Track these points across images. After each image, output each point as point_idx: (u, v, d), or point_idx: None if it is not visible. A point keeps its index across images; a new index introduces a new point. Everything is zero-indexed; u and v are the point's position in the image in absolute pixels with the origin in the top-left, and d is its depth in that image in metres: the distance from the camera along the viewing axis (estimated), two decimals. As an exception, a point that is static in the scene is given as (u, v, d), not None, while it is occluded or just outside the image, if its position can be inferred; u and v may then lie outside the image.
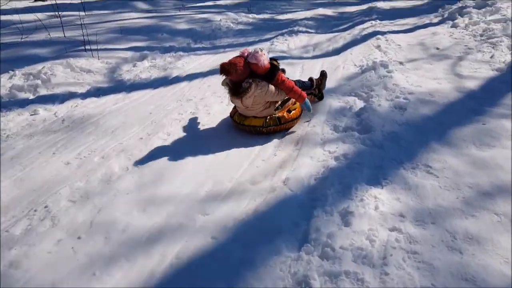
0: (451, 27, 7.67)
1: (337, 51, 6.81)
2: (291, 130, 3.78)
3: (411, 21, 8.87)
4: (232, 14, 10.54)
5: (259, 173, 3.06)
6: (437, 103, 4.07)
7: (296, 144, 3.50)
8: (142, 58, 6.38)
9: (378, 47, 6.44)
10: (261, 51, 3.39)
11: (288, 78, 3.64)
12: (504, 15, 7.40)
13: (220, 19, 9.68)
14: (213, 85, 5.14)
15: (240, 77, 3.32)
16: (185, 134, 3.81)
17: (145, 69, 6.01)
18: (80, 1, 11.66)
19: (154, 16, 9.94)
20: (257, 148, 3.48)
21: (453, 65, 5.32)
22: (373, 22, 8.82)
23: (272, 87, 3.45)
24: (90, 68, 5.73)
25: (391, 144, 3.24)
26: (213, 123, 4.00)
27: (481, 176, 2.73)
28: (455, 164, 2.90)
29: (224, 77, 3.45)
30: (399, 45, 6.60)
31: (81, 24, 6.90)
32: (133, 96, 4.96)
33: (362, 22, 9.01)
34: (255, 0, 14.21)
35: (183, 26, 8.80)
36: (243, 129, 3.71)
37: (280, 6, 13.48)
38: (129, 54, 6.48)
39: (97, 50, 6.22)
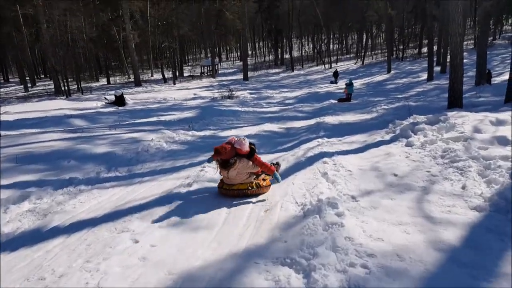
0: (406, 145, 6.73)
1: (277, 179, 5.56)
2: None
3: (361, 138, 7.96)
4: (169, 132, 9.40)
5: None
6: (410, 275, 2.67)
7: None
8: (23, 198, 4.79)
9: (325, 174, 5.22)
10: (244, 139, 4.73)
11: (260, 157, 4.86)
12: (462, 132, 6.57)
13: (152, 139, 8.45)
14: (95, 243, 3.57)
15: (228, 156, 4.53)
16: None
17: (17, 216, 4.38)
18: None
19: (75, 137, 8.59)
20: None
21: (419, 201, 4.08)
22: (320, 140, 7.84)
23: (250, 162, 4.67)
24: None
25: None
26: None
27: None
28: None
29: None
30: (349, 170, 5.43)
31: None
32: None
33: (309, 140, 8.02)
34: (203, 115, 13.40)
35: (102, 149, 7.43)
36: (231, 194, 4.64)
37: (226, 121, 12.64)
38: (6, 193, 4.89)
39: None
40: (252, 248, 3.29)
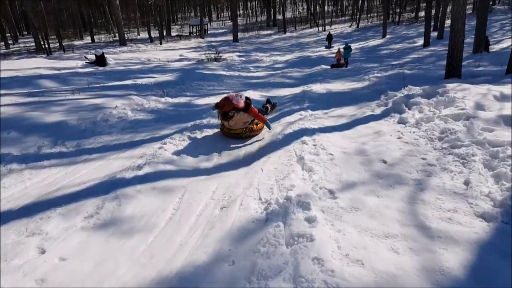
0: (399, 122, 5.86)
1: (246, 161, 4.70)
2: None
3: (348, 112, 7.06)
4: (139, 98, 8.39)
5: None
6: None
7: None
8: None
9: (301, 159, 4.34)
10: (240, 97, 5.61)
11: (255, 108, 5.74)
12: (462, 109, 5.69)
13: (116, 106, 7.46)
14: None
15: (226, 109, 5.43)
16: None
17: None
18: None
19: (31, 102, 7.57)
20: None
21: (412, 201, 3.24)
22: (303, 112, 6.92)
23: (246, 114, 5.55)
24: None
25: None
26: None
27: None
28: None
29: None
30: (331, 154, 4.56)
31: None
32: None
33: (291, 112, 7.09)
34: (183, 79, 12.31)
35: (54, 117, 6.45)
36: (230, 136, 5.60)
37: (207, 86, 11.60)
38: None
39: None
40: (188, 270, 2.45)
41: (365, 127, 5.80)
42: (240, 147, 5.27)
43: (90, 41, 33.29)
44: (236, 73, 15.34)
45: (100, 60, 19.53)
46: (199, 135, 5.73)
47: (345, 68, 16.06)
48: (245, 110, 5.54)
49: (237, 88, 11.39)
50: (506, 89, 6.76)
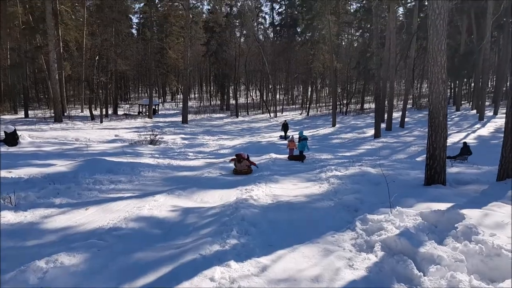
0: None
1: None
2: None
3: (308, 265, 3.52)
4: None
5: None
6: None
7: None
8: None
9: None
10: (244, 154, 10.50)
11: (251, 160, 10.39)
12: None
13: None
14: None
15: (241, 158, 9.82)
16: None
17: None
18: None
19: None
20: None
21: None
22: (220, 271, 3.28)
23: (247, 161, 9.93)
24: None
25: None
26: None
27: None
28: None
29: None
30: None
31: None
32: None
33: (196, 270, 3.41)
34: (77, 172, 8.41)
35: None
36: (240, 173, 9.63)
37: (108, 184, 7.76)
38: None
39: None
40: None
41: None
42: None
43: (24, 116, 28.86)
44: (166, 161, 11.69)
45: (11, 138, 15.39)
46: None
47: (298, 161, 12.67)
48: (247, 159, 10.02)
49: (151, 188, 7.73)
50: None
